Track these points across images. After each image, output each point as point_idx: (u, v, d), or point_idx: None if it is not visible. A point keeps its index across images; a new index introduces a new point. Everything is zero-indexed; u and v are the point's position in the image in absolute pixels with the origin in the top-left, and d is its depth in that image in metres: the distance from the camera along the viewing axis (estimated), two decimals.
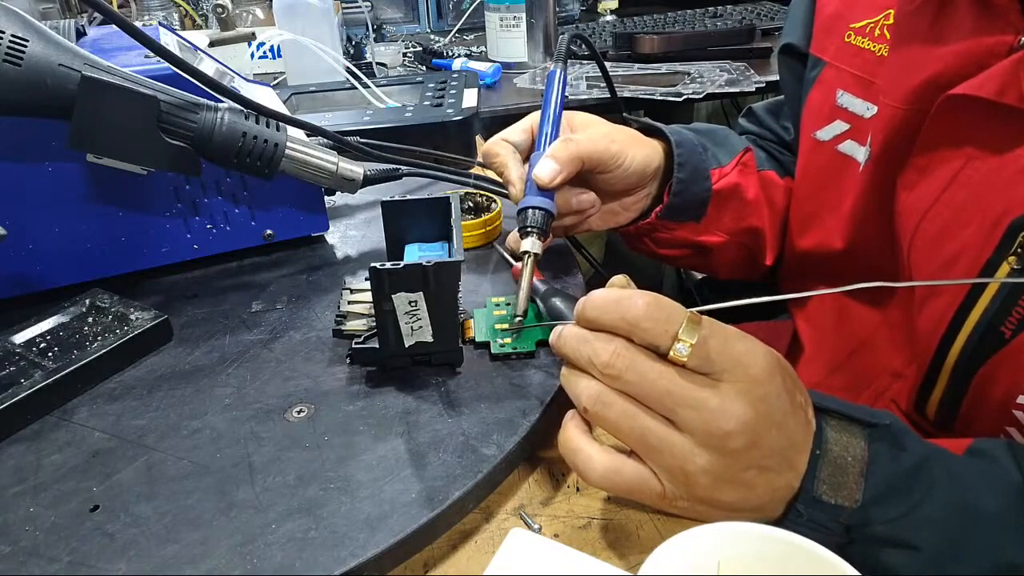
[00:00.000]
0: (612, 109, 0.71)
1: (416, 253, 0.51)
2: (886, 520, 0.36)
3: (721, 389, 0.35)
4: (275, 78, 1.20)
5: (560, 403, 0.47)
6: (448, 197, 0.51)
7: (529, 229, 0.50)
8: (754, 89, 1.11)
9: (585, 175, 0.55)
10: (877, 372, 0.58)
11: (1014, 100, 0.43)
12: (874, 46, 0.56)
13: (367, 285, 0.54)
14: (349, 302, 0.54)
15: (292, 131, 0.55)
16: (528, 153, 0.57)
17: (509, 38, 1.30)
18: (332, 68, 1.00)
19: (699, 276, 1.22)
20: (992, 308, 0.45)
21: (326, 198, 0.65)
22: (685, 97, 1.07)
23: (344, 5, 1.41)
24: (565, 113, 0.57)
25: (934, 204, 0.49)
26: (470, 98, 0.86)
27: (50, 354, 0.48)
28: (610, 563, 0.33)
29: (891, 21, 0.55)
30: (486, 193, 0.67)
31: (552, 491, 0.42)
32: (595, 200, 0.57)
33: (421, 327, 0.45)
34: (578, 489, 0.42)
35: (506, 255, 0.61)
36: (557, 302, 0.50)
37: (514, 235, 0.57)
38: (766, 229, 0.68)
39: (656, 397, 0.35)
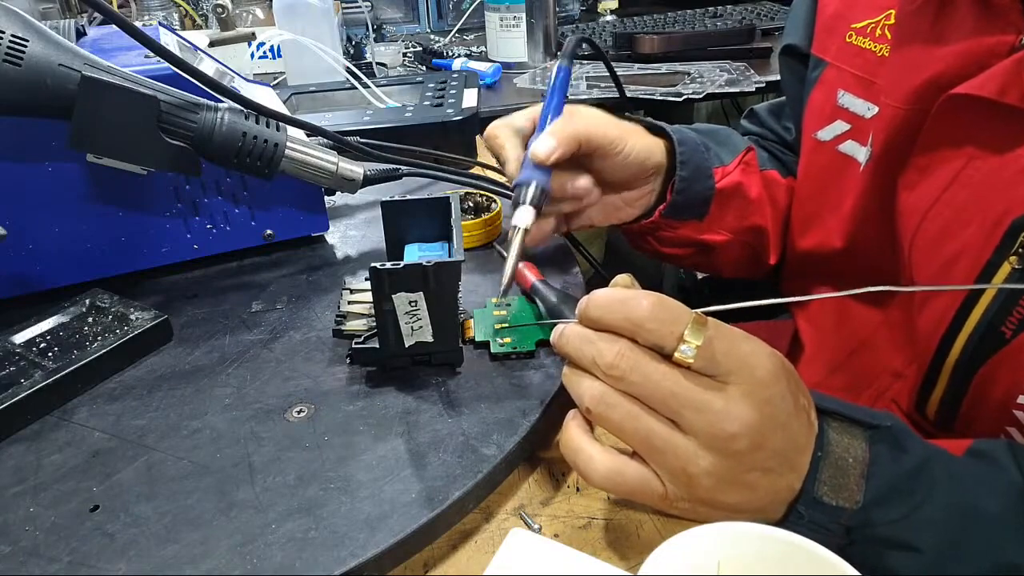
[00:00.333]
0: (617, 109, 0.72)
1: (416, 253, 0.51)
2: (887, 521, 0.36)
3: (726, 391, 0.35)
4: (275, 78, 1.20)
5: (560, 403, 0.47)
6: (448, 197, 0.51)
7: (520, 202, 0.49)
8: (754, 89, 1.11)
9: (585, 161, 0.55)
10: (877, 372, 0.58)
11: (1015, 100, 0.43)
12: (875, 46, 0.56)
13: (367, 285, 0.54)
14: (349, 302, 0.54)
15: (292, 131, 0.55)
16: (529, 139, 0.55)
17: (509, 38, 1.30)
18: (332, 68, 1.00)
19: (699, 276, 1.22)
20: (993, 308, 0.45)
21: (326, 198, 0.65)
22: (685, 97, 1.07)
23: (344, 5, 1.41)
24: (569, 106, 0.56)
25: (935, 204, 0.49)
26: (470, 98, 0.86)
27: (50, 354, 0.48)
28: (610, 563, 0.33)
29: (892, 21, 0.55)
30: (486, 193, 0.67)
31: (552, 491, 0.42)
32: (591, 187, 0.56)
33: (421, 327, 0.45)
34: (578, 489, 0.42)
35: (506, 255, 0.61)
36: (557, 302, 0.50)
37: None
38: (769, 228, 0.68)
39: (660, 399, 0.35)
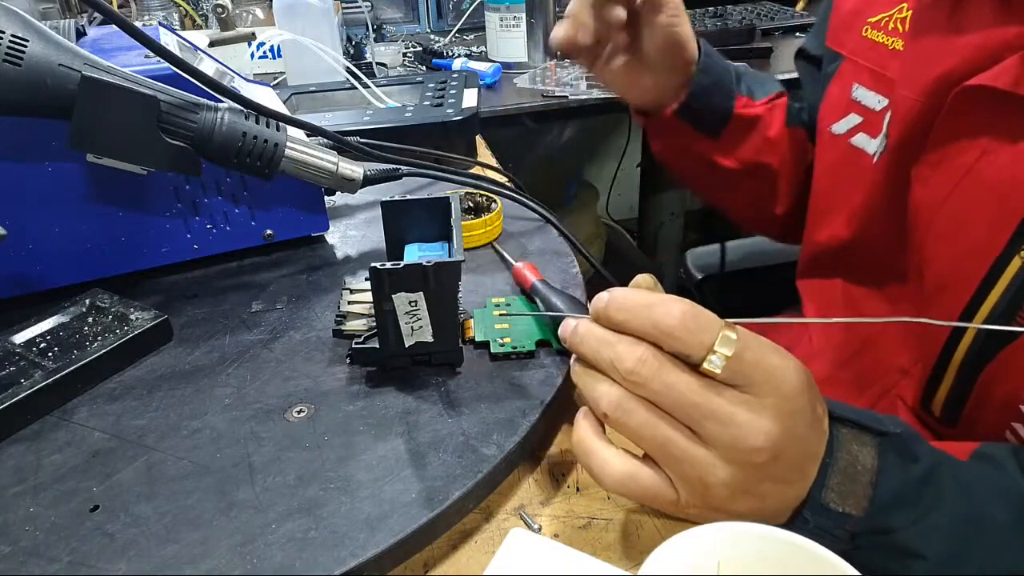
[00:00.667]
0: (615, 108, 0.74)
1: (416, 253, 0.51)
2: (893, 528, 0.35)
3: (752, 404, 0.34)
4: (275, 78, 1.20)
5: (560, 403, 0.47)
6: (448, 197, 0.51)
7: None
8: None
9: (642, 17, 0.60)
10: (884, 369, 0.58)
11: None
12: (888, 39, 0.57)
13: (367, 285, 0.54)
14: (349, 302, 0.54)
15: (292, 131, 0.55)
16: None
17: (509, 38, 1.30)
18: (332, 68, 1.00)
19: (699, 276, 1.22)
20: (1003, 304, 0.45)
21: (326, 198, 0.65)
22: None
23: (344, 5, 1.41)
24: None
25: (948, 198, 0.49)
26: (470, 98, 0.86)
27: (50, 354, 0.48)
28: (610, 563, 0.33)
29: (904, 15, 0.55)
30: (486, 193, 0.67)
31: (552, 491, 0.42)
32: (622, 19, 0.59)
33: (421, 327, 0.45)
34: (578, 489, 0.42)
35: (506, 255, 0.61)
36: (557, 302, 0.50)
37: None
38: (781, 172, 0.71)
39: (682, 409, 0.34)
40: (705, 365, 0.33)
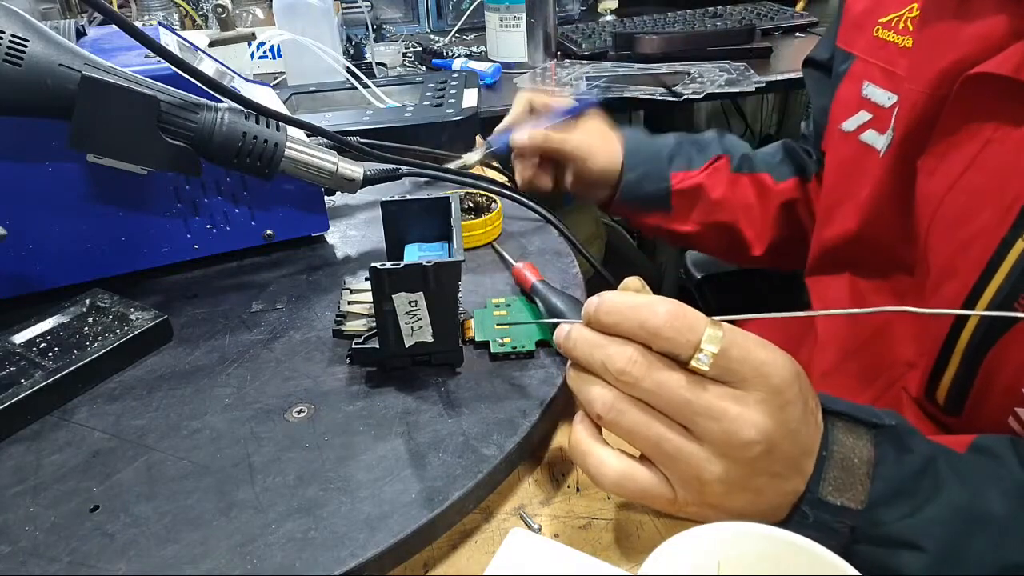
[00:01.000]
0: (619, 108, 0.81)
1: (416, 253, 0.51)
2: (892, 521, 0.36)
3: (741, 399, 0.34)
4: (275, 78, 1.20)
5: (560, 403, 0.47)
6: (448, 197, 0.51)
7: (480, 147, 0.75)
8: (754, 89, 1.11)
9: (560, 160, 0.75)
10: (890, 361, 0.58)
11: None
12: (898, 38, 0.58)
13: (367, 285, 0.54)
14: (349, 302, 0.54)
15: (292, 131, 0.55)
16: (542, 116, 0.75)
17: (509, 38, 1.30)
18: (332, 68, 1.00)
19: (699, 276, 1.22)
20: (1005, 287, 0.45)
21: (326, 198, 0.65)
22: (685, 97, 1.07)
23: (344, 5, 1.41)
24: (585, 115, 0.76)
25: (952, 188, 0.49)
26: (470, 98, 0.86)
27: (50, 354, 0.48)
28: (610, 563, 0.33)
29: (915, 14, 0.56)
30: (486, 193, 0.67)
31: (552, 491, 0.42)
32: (547, 186, 0.76)
33: (421, 327, 0.45)
34: (578, 489, 0.42)
35: (506, 255, 0.61)
36: (557, 302, 0.50)
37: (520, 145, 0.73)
38: (741, 224, 0.77)
39: (674, 406, 0.35)
40: (693, 363, 0.34)
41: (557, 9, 1.28)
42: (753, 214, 0.78)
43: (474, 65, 1.22)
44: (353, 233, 0.67)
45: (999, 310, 0.45)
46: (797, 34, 1.40)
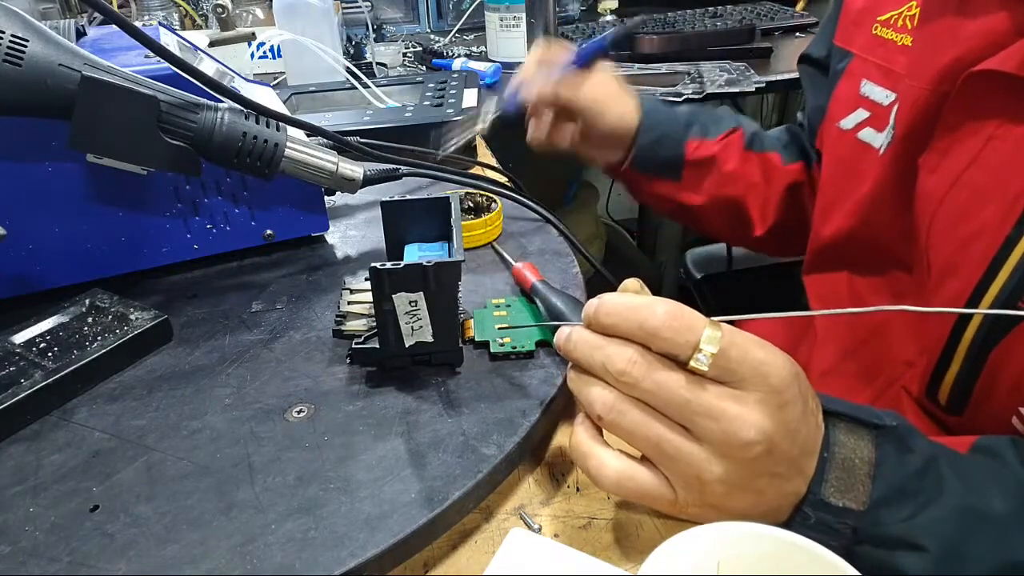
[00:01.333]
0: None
1: (416, 253, 0.51)
2: (894, 521, 0.35)
3: (741, 399, 0.34)
4: (275, 78, 1.20)
5: (560, 403, 0.47)
6: (448, 197, 0.51)
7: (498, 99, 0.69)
8: (754, 89, 1.11)
9: (573, 113, 0.71)
10: (889, 360, 0.58)
11: None
12: (897, 36, 0.58)
13: (367, 285, 0.54)
14: (349, 302, 0.54)
15: (292, 131, 0.55)
16: (553, 66, 0.70)
17: (509, 38, 1.30)
18: (332, 68, 1.00)
19: (699, 275, 1.22)
20: (1009, 285, 0.45)
21: (326, 198, 0.65)
22: (685, 97, 1.07)
23: (344, 5, 1.41)
24: (596, 66, 0.70)
25: (953, 185, 0.49)
26: (470, 98, 0.86)
27: (50, 354, 0.48)
28: (610, 563, 0.33)
29: (914, 12, 0.56)
30: (486, 193, 0.67)
31: (552, 491, 0.42)
32: (569, 137, 0.72)
33: (421, 327, 0.45)
34: (578, 489, 0.42)
35: (505, 255, 0.61)
36: (557, 302, 0.50)
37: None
38: (748, 201, 0.76)
39: (674, 407, 0.35)
40: (692, 363, 0.34)
41: (557, 9, 1.28)
42: (759, 193, 0.77)
43: (474, 65, 1.22)
44: (353, 233, 0.67)
45: (1003, 308, 0.45)
46: (797, 34, 1.40)
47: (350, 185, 0.60)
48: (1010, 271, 0.45)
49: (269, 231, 0.63)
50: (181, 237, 0.60)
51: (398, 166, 0.65)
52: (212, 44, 1.18)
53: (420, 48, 1.41)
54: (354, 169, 0.59)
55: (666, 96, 1.07)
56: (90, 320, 0.52)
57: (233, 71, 0.65)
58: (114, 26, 0.45)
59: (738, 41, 1.25)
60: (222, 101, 0.52)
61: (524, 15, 1.27)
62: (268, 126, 0.53)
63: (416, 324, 0.45)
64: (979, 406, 0.49)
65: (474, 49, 1.43)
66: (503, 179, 0.79)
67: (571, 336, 0.38)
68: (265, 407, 0.46)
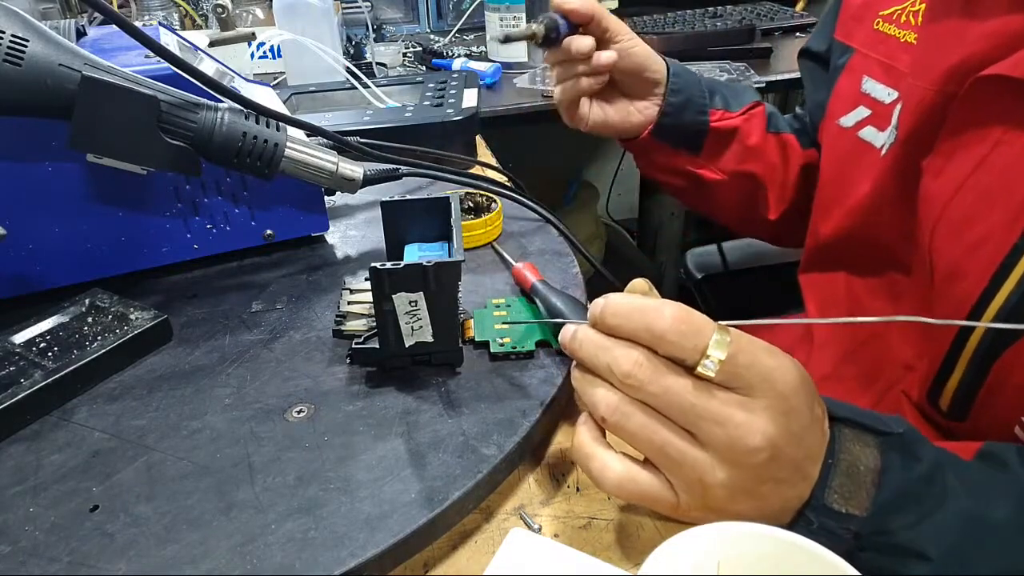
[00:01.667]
0: None
1: (416, 253, 0.51)
2: (897, 528, 0.35)
3: (747, 405, 0.34)
4: (275, 78, 1.20)
5: (560, 403, 0.47)
6: (448, 197, 0.51)
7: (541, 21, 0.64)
8: (754, 89, 1.11)
9: (601, 47, 0.66)
10: (888, 364, 0.58)
11: None
12: (899, 32, 0.57)
13: (367, 285, 0.54)
14: (349, 302, 0.54)
15: (292, 131, 0.55)
16: None
17: None
18: (332, 68, 1.00)
19: (699, 276, 1.22)
20: (1018, 291, 0.44)
21: (326, 198, 0.65)
22: None
23: (344, 5, 1.41)
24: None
25: (960, 189, 0.49)
26: (470, 98, 0.86)
27: (50, 354, 0.48)
28: (610, 563, 0.33)
29: (918, 8, 0.56)
30: (486, 193, 0.67)
31: (552, 491, 0.42)
32: (610, 61, 0.66)
33: (421, 327, 0.45)
34: (578, 489, 0.42)
35: (505, 255, 0.61)
36: (557, 302, 0.50)
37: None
38: (767, 180, 0.74)
39: (679, 411, 0.34)
40: (699, 369, 0.34)
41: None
42: (777, 173, 0.75)
43: (474, 65, 1.22)
44: (353, 233, 0.67)
45: (1010, 316, 0.45)
46: (797, 34, 1.41)
47: (350, 185, 0.60)
48: (1018, 278, 0.44)
49: (269, 231, 0.63)
50: (181, 237, 0.60)
51: (398, 166, 0.65)
52: (212, 44, 1.18)
53: (420, 48, 1.41)
54: (354, 169, 0.59)
55: None
56: (90, 320, 0.52)
57: (233, 71, 0.65)
58: (114, 26, 0.45)
59: (738, 41, 1.26)
60: (222, 101, 0.52)
61: (524, 15, 1.27)
62: (268, 126, 0.53)
63: (416, 324, 0.45)
64: (981, 414, 0.49)
65: (474, 49, 1.43)
66: (503, 179, 0.78)
67: (576, 335, 0.37)
68: (265, 407, 0.46)
